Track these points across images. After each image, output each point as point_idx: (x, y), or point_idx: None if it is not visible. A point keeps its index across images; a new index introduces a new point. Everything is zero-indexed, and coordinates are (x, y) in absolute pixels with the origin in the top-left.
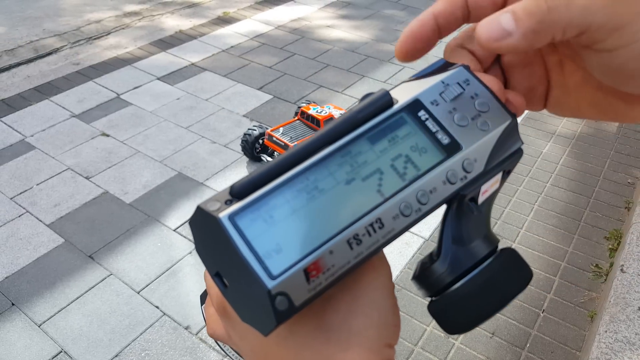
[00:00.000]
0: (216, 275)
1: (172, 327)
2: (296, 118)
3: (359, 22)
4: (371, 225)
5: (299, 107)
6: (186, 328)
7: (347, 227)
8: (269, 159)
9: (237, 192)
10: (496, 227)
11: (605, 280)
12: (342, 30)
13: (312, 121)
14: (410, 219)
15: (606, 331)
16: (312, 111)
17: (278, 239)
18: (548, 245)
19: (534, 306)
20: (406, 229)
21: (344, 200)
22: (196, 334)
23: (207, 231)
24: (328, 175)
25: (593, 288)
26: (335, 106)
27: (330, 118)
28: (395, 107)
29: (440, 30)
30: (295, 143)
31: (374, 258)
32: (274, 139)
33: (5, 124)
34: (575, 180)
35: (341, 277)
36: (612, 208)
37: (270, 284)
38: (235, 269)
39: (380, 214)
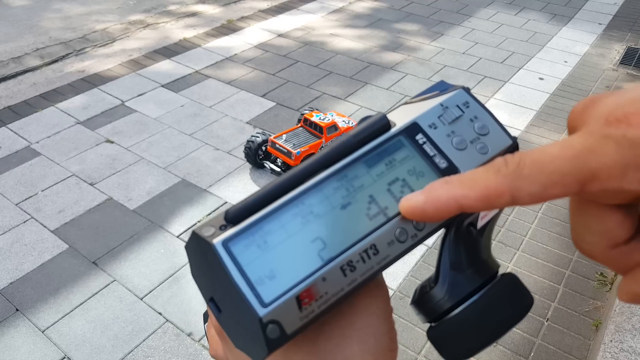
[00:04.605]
0: (211, 300)
1: (174, 333)
2: (299, 125)
3: (362, 30)
4: (365, 251)
5: (302, 114)
6: (189, 335)
7: (341, 253)
8: (272, 165)
9: (232, 218)
10: (500, 235)
11: (610, 289)
12: (345, 38)
13: (315, 128)
14: (406, 244)
15: (611, 341)
16: (315, 118)
17: (272, 265)
18: (552, 254)
19: (538, 315)
20: (402, 255)
21: (339, 225)
22: (199, 341)
23: (201, 256)
24: (323, 199)
25: (598, 297)
26: (338, 113)
27: (333, 125)
28: (393, 130)
29: None
30: (298, 150)
31: (371, 282)
32: (277, 145)
33: (11, 130)
34: None
35: (334, 304)
36: None
37: (261, 311)
38: (228, 296)
39: (375, 239)
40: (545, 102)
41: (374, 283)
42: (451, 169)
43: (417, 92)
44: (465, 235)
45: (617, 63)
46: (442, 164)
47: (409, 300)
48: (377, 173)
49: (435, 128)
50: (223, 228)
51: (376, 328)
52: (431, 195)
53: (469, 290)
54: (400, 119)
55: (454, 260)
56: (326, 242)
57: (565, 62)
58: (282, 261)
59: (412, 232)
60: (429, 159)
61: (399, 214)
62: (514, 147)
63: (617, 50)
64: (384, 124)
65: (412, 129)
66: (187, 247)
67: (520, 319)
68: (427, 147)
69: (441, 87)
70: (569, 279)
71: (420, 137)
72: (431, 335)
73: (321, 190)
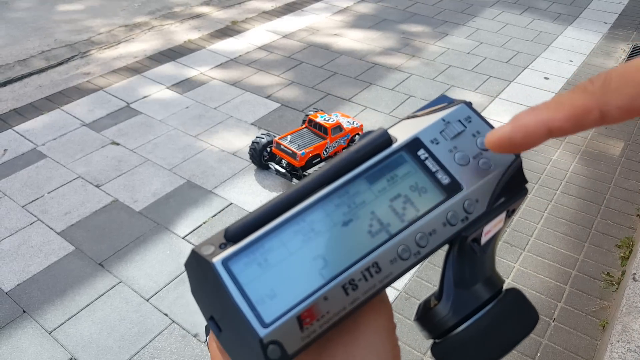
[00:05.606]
0: (211, 319)
1: (180, 334)
2: (304, 126)
3: (367, 31)
4: (367, 269)
5: (307, 115)
6: (195, 336)
7: (343, 271)
8: (277, 166)
9: (232, 236)
10: (506, 235)
11: (617, 289)
12: (349, 39)
13: (319, 129)
14: (409, 262)
15: (618, 341)
16: (319, 119)
17: (272, 284)
18: (558, 254)
19: (545, 315)
20: (404, 272)
21: (340, 243)
22: (205, 342)
23: (201, 275)
24: (325, 216)
25: (604, 297)
26: (342, 114)
27: (338, 126)
28: (395, 145)
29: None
30: (303, 151)
31: (374, 298)
32: (282, 146)
33: (17, 133)
34: (585, 187)
35: (336, 323)
36: (623, 215)
37: (262, 332)
38: (229, 315)
39: (377, 257)
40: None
41: (377, 299)
42: (454, 185)
43: (422, 92)
44: (469, 252)
45: (622, 62)
46: (445, 179)
47: (415, 301)
48: (378, 189)
49: (437, 143)
50: (223, 246)
51: (379, 346)
52: (518, 123)
53: (473, 307)
54: (401, 134)
55: (458, 276)
56: (327, 260)
57: (571, 61)
58: (283, 280)
59: (414, 249)
60: (431, 174)
61: (401, 230)
62: (517, 162)
63: (622, 49)
64: (385, 139)
65: (414, 144)
66: (186, 265)
67: (525, 335)
68: (429, 163)
69: (443, 101)
70: (576, 278)
71: (422, 153)
72: (435, 352)
73: (322, 207)
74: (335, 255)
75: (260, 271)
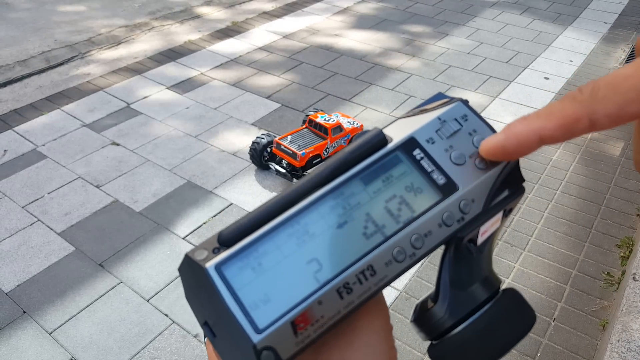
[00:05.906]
0: (205, 324)
1: (181, 335)
2: (304, 126)
3: (367, 31)
4: (362, 272)
5: (307, 115)
6: (195, 336)
7: (337, 275)
8: (277, 167)
9: (226, 240)
10: (506, 235)
11: (617, 288)
12: (349, 39)
13: (320, 129)
14: (404, 264)
15: (618, 340)
16: (320, 119)
17: (266, 288)
18: (558, 253)
19: (545, 315)
20: (399, 274)
21: (335, 245)
22: (205, 342)
23: (194, 280)
24: (319, 218)
25: (605, 296)
26: (342, 114)
27: (338, 126)
28: (390, 145)
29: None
30: (304, 151)
31: (370, 300)
32: (282, 147)
33: (17, 133)
34: (585, 187)
35: (331, 328)
36: (623, 215)
37: (255, 338)
38: (222, 321)
39: (372, 260)
40: (551, 101)
41: (373, 301)
42: (449, 185)
43: (422, 92)
44: (465, 252)
45: (622, 62)
46: (440, 180)
47: (415, 301)
48: (374, 190)
49: (432, 143)
50: (216, 251)
51: (376, 348)
52: (511, 132)
53: (469, 308)
54: (397, 133)
55: (454, 277)
56: (322, 263)
57: (571, 61)
58: (276, 284)
59: (410, 251)
60: (426, 174)
61: (396, 232)
62: (514, 161)
63: (622, 49)
64: (380, 139)
65: (409, 144)
66: (180, 270)
67: (522, 337)
68: (425, 163)
69: (439, 99)
70: (576, 278)
71: (417, 153)
72: (432, 353)
73: (317, 209)
74: (329, 259)
75: (253, 275)
